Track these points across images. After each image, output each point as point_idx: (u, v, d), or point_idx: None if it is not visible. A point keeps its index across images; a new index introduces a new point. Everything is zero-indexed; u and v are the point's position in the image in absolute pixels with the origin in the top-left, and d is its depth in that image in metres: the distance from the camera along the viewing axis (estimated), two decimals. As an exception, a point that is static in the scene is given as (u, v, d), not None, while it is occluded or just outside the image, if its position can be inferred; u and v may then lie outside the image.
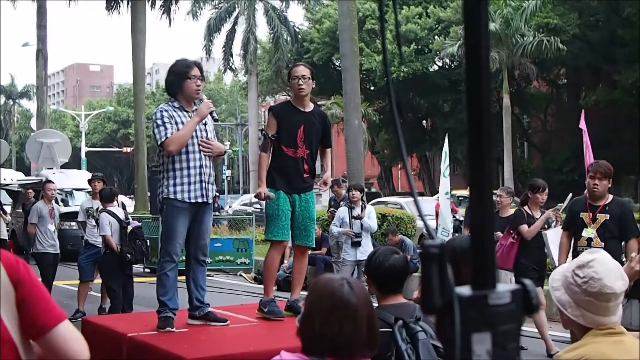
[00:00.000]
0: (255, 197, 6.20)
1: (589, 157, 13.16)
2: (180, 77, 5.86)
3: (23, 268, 2.15)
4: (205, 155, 5.84)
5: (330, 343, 2.41)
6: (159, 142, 5.75)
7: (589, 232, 7.08)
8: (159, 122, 5.73)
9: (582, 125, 13.61)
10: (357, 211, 11.65)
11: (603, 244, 6.82)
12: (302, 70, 6.16)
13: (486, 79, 1.15)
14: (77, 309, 11.18)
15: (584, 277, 2.63)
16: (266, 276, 6.31)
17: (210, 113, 5.89)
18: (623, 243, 7.20)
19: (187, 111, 5.85)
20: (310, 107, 6.21)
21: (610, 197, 7.14)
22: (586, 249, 6.94)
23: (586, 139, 13.22)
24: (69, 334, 2.15)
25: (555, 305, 2.72)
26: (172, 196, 5.73)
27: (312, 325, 2.44)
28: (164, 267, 5.80)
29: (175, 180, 5.75)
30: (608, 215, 6.98)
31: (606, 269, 2.65)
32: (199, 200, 5.80)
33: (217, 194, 29.74)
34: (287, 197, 6.04)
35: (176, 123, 5.75)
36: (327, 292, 2.48)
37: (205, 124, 5.91)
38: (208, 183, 5.86)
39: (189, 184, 5.76)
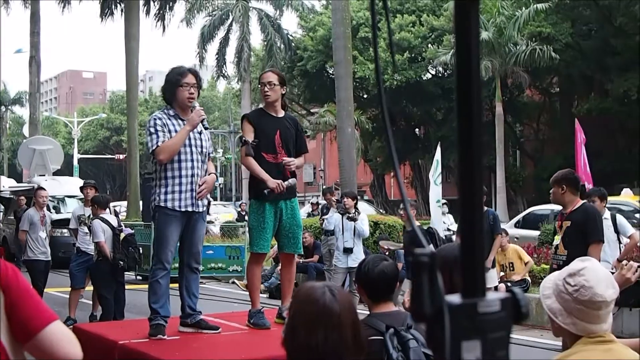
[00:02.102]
0: (269, 192, 5.88)
1: (583, 166, 13.22)
2: (173, 84, 5.86)
3: (11, 272, 2.15)
4: (197, 164, 5.85)
5: (316, 352, 2.37)
6: (150, 150, 5.79)
7: (556, 240, 7.11)
8: (152, 129, 5.75)
9: (581, 133, 13.62)
10: (351, 213, 11.65)
11: (566, 251, 6.80)
12: (269, 76, 6.13)
13: (477, 87, 1.15)
14: (68, 317, 11.15)
15: (575, 285, 2.63)
16: (250, 288, 6.29)
17: (202, 122, 5.87)
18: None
19: (182, 119, 5.85)
20: (281, 112, 6.17)
21: (579, 203, 7.09)
22: (554, 257, 7.00)
23: (581, 149, 13.27)
24: (60, 335, 2.14)
25: (546, 314, 2.73)
26: (163, 204, 5.74)
27: (297, 335, 2.41)
28: (155, 274, 5.81)
29: (167, 189, 5.75)
30: (570, 222, 6.98)
31: (597, 277, 2.65)
32: (190, 209, 5.80)
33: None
34: (272, 208, 5.98)
35: (169, 131, 5.76)
36: (309, 301, 2.45)
37: (200, 133, 5.91)
38: None
39: (181, 192, 5.76)
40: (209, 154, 6.03)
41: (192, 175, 5.81)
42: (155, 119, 5.81)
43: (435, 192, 14.88)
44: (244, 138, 6.00)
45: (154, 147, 5.71)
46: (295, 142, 6.17)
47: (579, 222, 6.90)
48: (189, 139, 5.81)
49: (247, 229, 18.25)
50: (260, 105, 6.30)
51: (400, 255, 13.86)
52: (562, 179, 7.05)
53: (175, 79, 5.86)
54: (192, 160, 5.81)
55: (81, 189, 11.97)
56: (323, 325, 2.39)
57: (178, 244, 5.94)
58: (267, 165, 5.96)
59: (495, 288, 11.71)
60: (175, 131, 5.77)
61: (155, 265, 5.83)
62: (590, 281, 2.62)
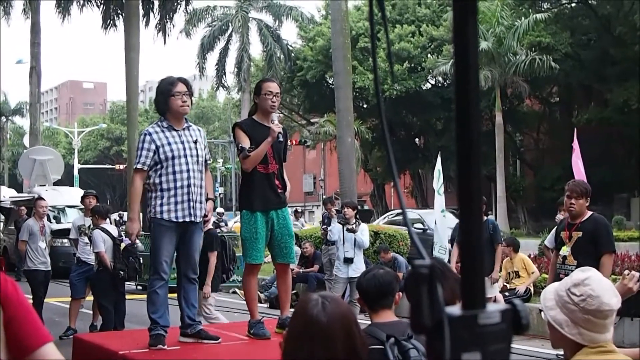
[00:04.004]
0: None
1: (578, 176, 13.21)
2: (165, 95, 5.89)
3: (11, 287, 2.14)
4: (193, 174, 5.86)
5: None
6: (133, 167, 5.93)
7: (564, 250, 7.08)
8: (139, 145, 5.87)
9: (575, 143, 13.64)
10: (351, 225, 11.62)
11: (576, 261, 6.79)
12: (276, 87, 6.12)
13: (475, 97, 1.15)
14: (68, 327, 11.14)
15: (581, 295, 2.62)
16: (248, 299, 6.26)
17: (199, 131, 6.08)
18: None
19: (176, 130, 5.88)
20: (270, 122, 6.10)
21: (589, 214, 7.09)
22: (561, 267, 6.98)
23: (575, 157, 13.25)
24: (52, 357, 2.14)
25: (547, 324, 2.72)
26: (159, 216, 5.76)
27: (286, 350, 2.37)
28: (153, 284, 5.82)
29: (162, 200, 5.78)
30: (581, 233, 6.97)
31: (602, 286, 2.65)
32: (187, 219, 5.81)
33: (223, 211, 29.54)
34: (264, 218, 5.94)
35: (162, 145, 5.81)
36: (298, 313, 2.40)
37: (195, 142, 5.93)
38: (197, 202, 5.86)
39: (176, 203, 5.77)
40: (206, 161, 6.06)
41: (189, 186, 5.82)
42: (145, 135, 5.88)
43: (439, 202, 14.87)
44: (240, 145, 5.93)
45: (134, 166, 5.86)
46: (284, 151, 6.16)
47: (590, 232, 6.91)
48: (184, 149, 5.84)
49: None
50: (254, 117, 6.17)
51: (401, 265, 13.84)
52: (589, 191, 7.07)
53: (166, 89, 5.89)
54: (187, 171, 5.83)
55: (82, 198, 11.97)
56: (309, 339, 2.32)
57: (175, 255, 5.96)
58: (258, 176, 5.93)
59: (495, 299, 11.70)
60: (169, 144, 5.82)
61: (152, 275, 5.85)
62: (596, 290, 2.62)
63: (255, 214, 5.92)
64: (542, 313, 2.75)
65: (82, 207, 12.32)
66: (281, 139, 5.97)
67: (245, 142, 5.89)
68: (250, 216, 5.95)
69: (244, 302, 6.56)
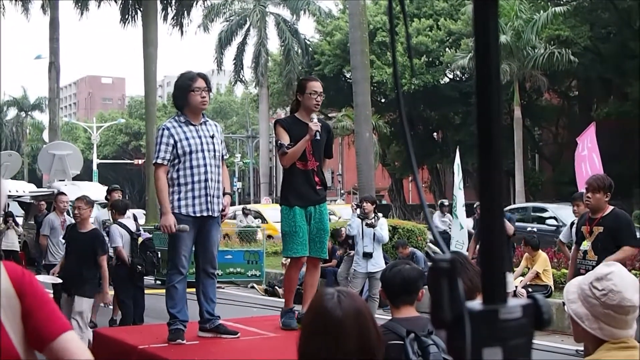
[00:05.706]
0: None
1: (584, 170, 13.14)
2: (184, 90, 5.90)
3: (28, 279, 2.16)
4: (211, 169, 5.88)
5: None
6: (152, 162, 5.93)
7: (584, 245, 7.05)
8: (158, 140, 5.89)
9: (580, 138, 13.57)
10: (370, 219, 11.60)
11: (596, 257, 6.75)
12: (320, 86, 6.24)
13: (496, 91, 1.14)
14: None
15: (603, 290, 2.61)
16: (286, 289, 6.44)
17: (216, 127, 6.11)
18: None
19: (193, 125, 5.90)
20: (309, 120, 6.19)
21: (610, 209, 7.05)
22: (582, 262, 6.95)
23: (579, 152, 13.19)
24: (72, 344, 2.15)
25: (566, 319, 2.71)
26: (176, 210, 5.79)
27: (300, 343, 2.36)
28: (172, 279, 5.86)
29: (180, 195, 5.80)
30: (602, 228, 6.93)
31: (624, 282, 2.63)
32: (204, 214, 5.83)
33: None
34: (303, 212, 6.05)
35: (180, 140, 5.82)
36: (313, 307, 2.38)
37: (212, 136, 5.95)
38: (214, 197, 5.88)
39: (194, 198, 5.80)
40: (223, 156, 6.08)
41: (206, 180, 5.84)
42: (163, 129, 5.90)
43: (460, 196, 14.95)
44: (279, 142, 6.05)
45: (154, 161, 5.87)
46: (324, 147, 6.24)
47: (612, 228, 6.87)
48: (201, 144, 5.86)
49: (264, 233, 18.26)
50: (295, 114, 6.24)
51: (420, 260, 13.81)
52: (610, 186, 7.04)
53: (186, 84, 5.90)
54: (204, 165, 5.85)
55: (109, 192, 12.07)
56: (321, 332, 2.31)
57: (194, 249, 5.98)
58: (297, 173, 6.05)
59: (514, 293, 11.66)
60: (187, 138, 5.84)
61: (171, 270, 5.88)
62: (618, 285, 2.60)
63: (294, 209, 6.04)
64: (566, 306, 2.74)
65: (104, 202, 12.39)
66: (318, 137, 6.01)
67: (285, 139, 6.01)
68: (288, 211, 6.07)
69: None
